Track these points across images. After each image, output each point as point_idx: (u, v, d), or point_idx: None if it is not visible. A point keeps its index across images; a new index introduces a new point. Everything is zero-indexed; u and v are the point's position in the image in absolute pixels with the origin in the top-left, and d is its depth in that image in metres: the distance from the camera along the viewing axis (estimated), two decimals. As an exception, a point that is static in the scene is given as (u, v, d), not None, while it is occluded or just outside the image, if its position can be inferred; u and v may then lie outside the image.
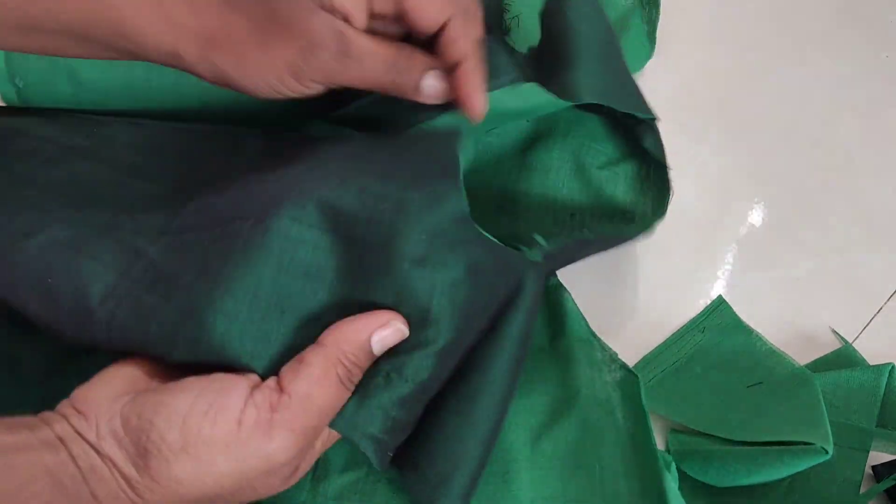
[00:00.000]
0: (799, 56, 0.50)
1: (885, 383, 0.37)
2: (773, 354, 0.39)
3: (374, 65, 0.28)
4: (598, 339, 0.39)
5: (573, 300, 0.40)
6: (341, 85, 0.28)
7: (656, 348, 0.40)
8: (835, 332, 0.41)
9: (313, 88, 0.28)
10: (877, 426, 0.36)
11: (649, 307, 0.41)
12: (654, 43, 0.49)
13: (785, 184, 0.45)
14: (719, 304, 0.41)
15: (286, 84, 0.28)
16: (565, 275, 0.41)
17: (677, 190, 0.45)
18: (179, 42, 0.27)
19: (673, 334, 0.41)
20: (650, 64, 0.48)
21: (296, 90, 0.28)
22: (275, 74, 0.27)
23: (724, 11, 0.52)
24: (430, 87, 0.29)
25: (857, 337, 0.41)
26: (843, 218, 0.44)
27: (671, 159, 0.46)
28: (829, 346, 0.41)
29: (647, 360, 0.40)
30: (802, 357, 0.40)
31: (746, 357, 0.39)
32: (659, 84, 0.48)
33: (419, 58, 0.29)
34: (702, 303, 0.42)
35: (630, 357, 0.40)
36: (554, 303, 0.40)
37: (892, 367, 0.37)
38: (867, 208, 0.45)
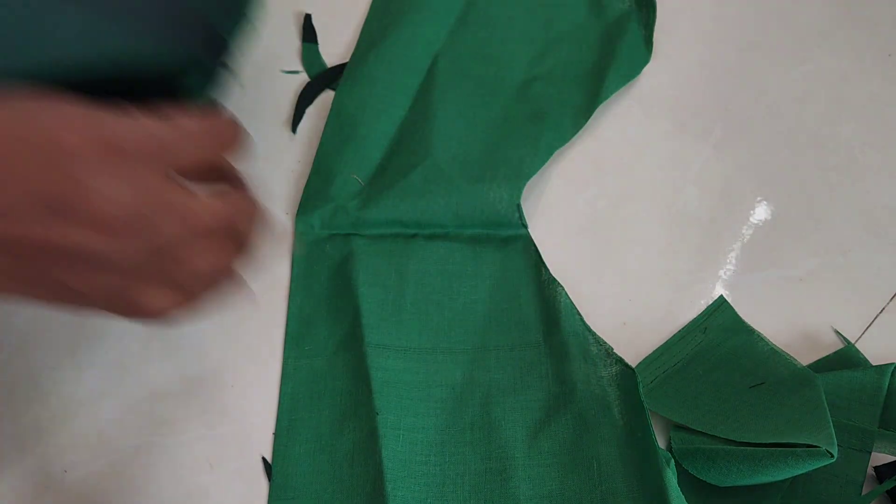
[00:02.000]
0: (801, 55, 0.50)
1: (887, 383, 0.37)
2: (776, 355, 0.39)
3: None
4: (593, 334, 0.39)
5: (567, 295, 0.40)
6: None
7: (657, 349, 0.40)
8: (837, 333, 0.41)
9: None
10: (879, 427, 0.36)
11: (650, 307, 0.41)
12: (651, 47, 0.49)
13: (787, 183, 0.45)
14: (721, 304, 0.41)
15: None
16: (565, 274, 0.41)
17: (678, 189, 0.45)
18: None
19: (674, 335, 0.40)
20: (652, 61, 0.48)
21: None
22: None
23: (726, 9, 0.52)
24: None
25: (860, 337, 0.41)
26: (845, 217, 0.44)
27: (672, 158, 0.45)
28: (832, 346, 0.40)
29: (648, 361, 0.40)
30: (804, 357, 0.39)
31: (748, 357, 0.39)
32: (660, 83, 0.48)
33: None
34: (703, 303, 0.41)
35: (631, 357, 0.39)
36: (548, 298, 0.40)
37: (895, 367, 0.37)
38: (870, 208, 0.44)
